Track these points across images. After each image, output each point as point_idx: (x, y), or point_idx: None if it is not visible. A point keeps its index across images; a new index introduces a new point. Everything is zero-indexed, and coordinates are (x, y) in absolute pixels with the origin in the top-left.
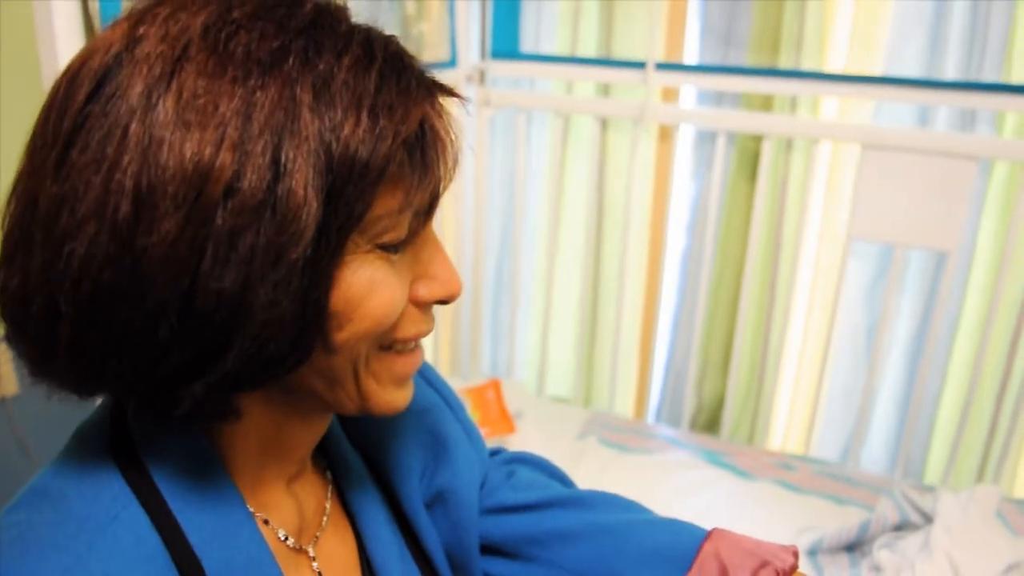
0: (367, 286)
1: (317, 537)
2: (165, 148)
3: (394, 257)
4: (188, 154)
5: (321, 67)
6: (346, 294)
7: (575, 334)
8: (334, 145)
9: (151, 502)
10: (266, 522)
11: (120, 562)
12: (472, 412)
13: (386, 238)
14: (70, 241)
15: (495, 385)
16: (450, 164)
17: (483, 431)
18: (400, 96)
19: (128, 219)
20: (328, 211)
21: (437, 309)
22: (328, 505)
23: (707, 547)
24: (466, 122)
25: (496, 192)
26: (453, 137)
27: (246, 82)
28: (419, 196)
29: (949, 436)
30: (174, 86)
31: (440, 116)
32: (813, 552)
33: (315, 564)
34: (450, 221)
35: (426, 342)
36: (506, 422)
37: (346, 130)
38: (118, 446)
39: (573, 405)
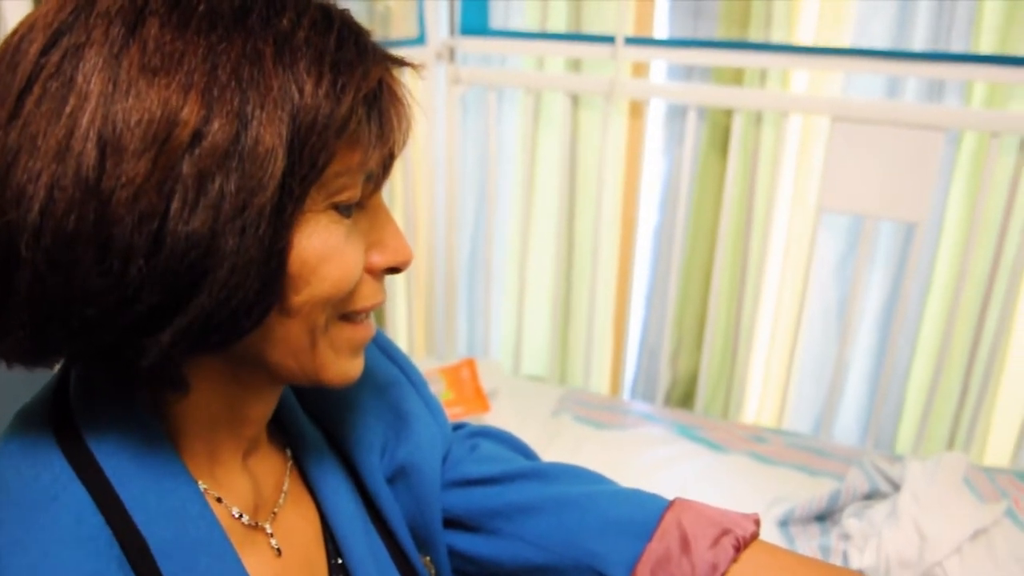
0: (323, 250)
1: (275, 513)
2: (132, 94)
3: (348, 223)
4: (156, 99)
5: (283, 24)
6: (303, 255)
7: (549, 312)
8: (297, 98)
9: (93, 480)
10: (219, 500)
11: (59, 542)
12: (446, 391)
13: (342, 196)
14: (30, 187)
15: (470, 364)
16: (404, 126)
17: (458, 410)
18: (360, 56)
19: (93, 163)
20: (292, 161)
21: (414, 291)
22: (287, 481)
23: (669, 517)
24: (437, 100)
25: (468, 171)
26: (408, 100)
27: (209, 36)
28: (375, 155)
29: (919, 406)
30: (138, 38)
31: (395, 79)
32: (784, 522)
33: (273, 540)
34: (423, 200)
35: (401, 323)
36: (481, 401)
37: (309, 85)
38: (60, 425)
39: (548, 383)
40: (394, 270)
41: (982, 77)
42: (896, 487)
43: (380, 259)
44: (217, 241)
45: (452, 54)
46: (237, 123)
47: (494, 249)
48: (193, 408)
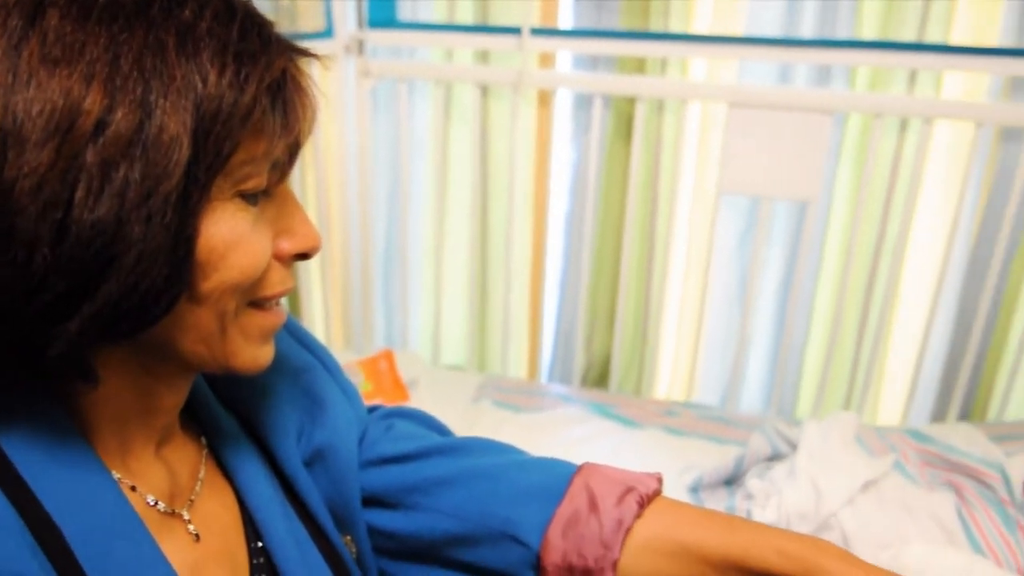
0: (231, 237)
1: (192, 501)
2: (32, 84)
3: (255, 210)
4: (57, 89)
5: (185, 15)
6: (211, 243)
7: (466, 301)
8: (200, 88)
9: (2, 474)
10: (133, 488)
11: None
12: (365, 383)
13: (248, 184)
14: None
15: (388, 355)
16: (309, 116)
17: (377, 401)
18: (263, 46)
19: None
20: (196, 149)
21: (330, 285)
22: (203, 469)
23: (577, 480)
24: (347, 94)
25: (380, 163)
26: (312, 91)
27: (111, 26)
28: (280, 145)
29: (816, 375)
30: (37, 29)
31: (299, 70)
32: (695, 488)
33: (190, 526)
34: (336, 194)
35: (318, 317)
36: (400, 391)
37: (212, 75)
38: None
39: (467, 371)
40: (302, 256)
41: (865, 62)
42: (795, 448)
43: (288, 245)
44: (123, 229)
45: (361, 47)
46: (140, 112)
47: (409, 241)
48: (103, 400)
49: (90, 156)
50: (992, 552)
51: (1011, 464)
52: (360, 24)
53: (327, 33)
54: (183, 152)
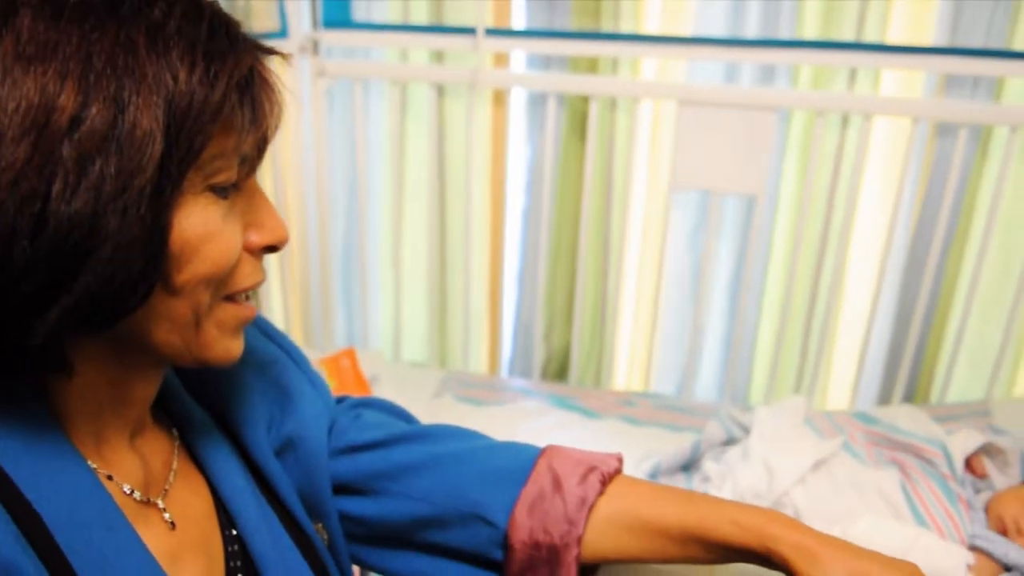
0: (203, 229)
1: (166, 491)
2: (8, 82)
3: (225, 203)
4: (33, 87)
5: (155, 15)
6: (184, 235)
7: (425, 298)
8: (171, 85)
9: None
10: (110, 478)
11: None
12: (328, 381)
13: (219, 178)
14: None
15: (350, 354)
16: (276, 111)
17: None
18: (231, 44)
19: None
20: (169, 144)
21: (289, 285)
22: (176, 460)
23: (541, 462)
24: (303, 94)
25: (338, 163)
26: (279, 87)
27: (83, 25)
28: (249, 139)
29: (768, 362)
30: (11, 28)
31: (265, 68)
32: (654, 475)
33: (166, 515)
34: (293, 195)
35: (278, 318)
36: (362, 388)
37: (182, 72)
38: None
39: (428, 367)
40: (271, 248)
41: (808, 61)
42: (748, 432)
43: (258, 238)
44: (99, 221)
45: (316, 47)
46: (114, 108)
47: (367, 239)
48: (78, 391)
49: (66, 151)
50: (935, 524)
51: (952, 441)
52: (315, 24)
53: (282, 33)
54: (156, 147)
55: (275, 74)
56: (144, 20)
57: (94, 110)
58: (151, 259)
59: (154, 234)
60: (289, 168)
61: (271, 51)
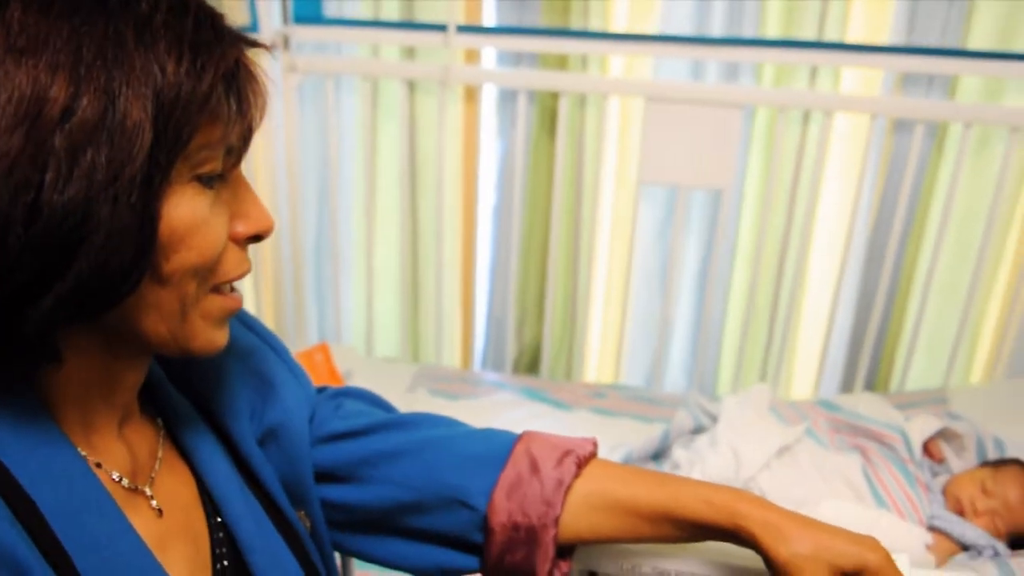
0: (191, 219)
1: (153, 478)
2: (0, 73)
3: (212, 193)
4: (25, 78)
5: (142, 8)
6: (172, 224)
7: (398, 293)
8: (159, 77)
9: None
10: (99, 465)
11: None
12: None
13: (205, 168)
14: None
15: (323, 349)
16: (260, 102)
17: None
18: (217, 37)
19: None
20: (158, 134)
21: (262, 281)
22: (161, 449)
23: (519, 446)
24: (273, 90)
25: (309, 158)
26: (262, 79)
27: (72, 18)
28: (235, 130)
29: (734, 353)
30: (2, 22)
31: (249, 60)
32: (625, 463)
33: (153, 502)
34: (265, 191)
35: (250, 310)
36: (336, 383)
37: (170, 64)
38: None
39: (402, 362)
40: (256, 238)
41: (770, 59)
42: (716, 421)
43: (243, 228)
44: (92, 209)
45: (287, 43)
46: (105, 99)
47: (340, 235)
48: (67, 378)
49: (58, 141)
50: (895, 505)
51: (910, 427)
52: (285, 20)
53: (252, 29)
54: (146, 137)
55: (259, 66)
56: (132, 13)
57: (85, 101)
58: (141, 247)
59: (144, 223)
60: (261, 164)
61: (255, 44)
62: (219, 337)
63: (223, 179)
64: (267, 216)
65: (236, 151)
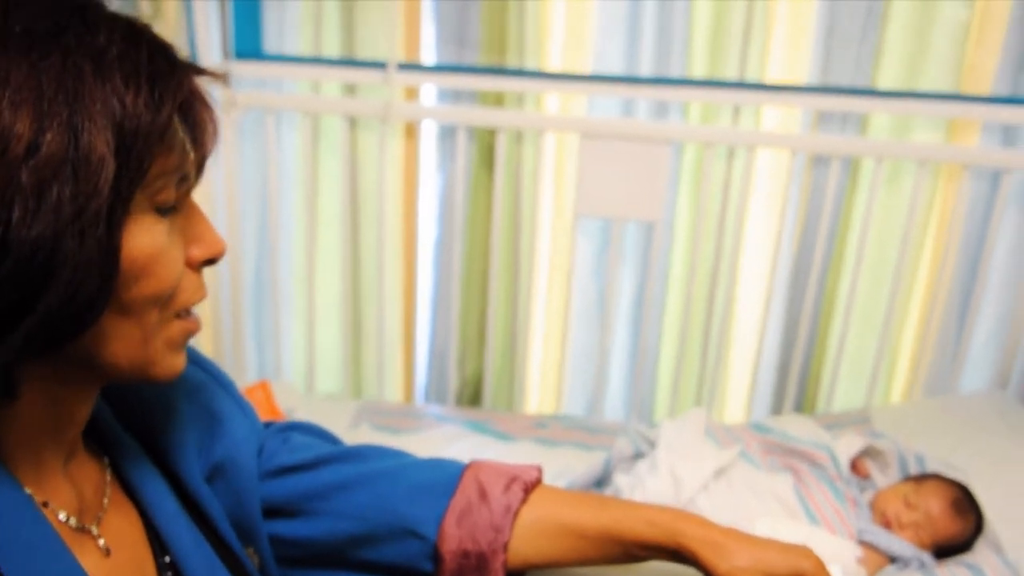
0: (150, 248)
1: (100, 517)
2: None
3: (167, 222)
4: None
5: (98, 41)
6: (132, 254)
7: (339, 329)
8: (119, 109)
9: None
10: (45, 504)
11: None
12: None
13: (161, 197)
14: None
15: (264, 386)
16: (212, 131)
17: None
18: (171, 67)
19: None
20: (120, 166)
21: (200, 319)
22: (108, 487)
23: (467, 475)
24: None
25: (249, 194)
26: (213, 107)
27: (30, 54)
28: (190, 159)
29: (670, 379)
30: None
31: (201, 89)
32: None
33: (101, 541)
34: None
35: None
36: (278, 420)
37: (129, 96)
38: None
39: (343, 398)
40: (211, 261)
41: (696, 98)
42: (654, 446)
43: (198, 252)
44: (59, 243)
45: (226, 78)
46: (68, 133)
47: (280, 271)
48: (18, 415)
49: (25, 177)
50: (826, 521)
51: (837, 446)
52: (225, 55)
53: None
54: (109, 170)
55: (209, 95)
56: (88, 47)
57: (49, 136)
58: (106, 278)
59: (108, 254)
60: (201, 200)
61: (207, 72)
62: (179, 362)
63: (175, 208)
64: (219, 239)
65: (189, 179)
